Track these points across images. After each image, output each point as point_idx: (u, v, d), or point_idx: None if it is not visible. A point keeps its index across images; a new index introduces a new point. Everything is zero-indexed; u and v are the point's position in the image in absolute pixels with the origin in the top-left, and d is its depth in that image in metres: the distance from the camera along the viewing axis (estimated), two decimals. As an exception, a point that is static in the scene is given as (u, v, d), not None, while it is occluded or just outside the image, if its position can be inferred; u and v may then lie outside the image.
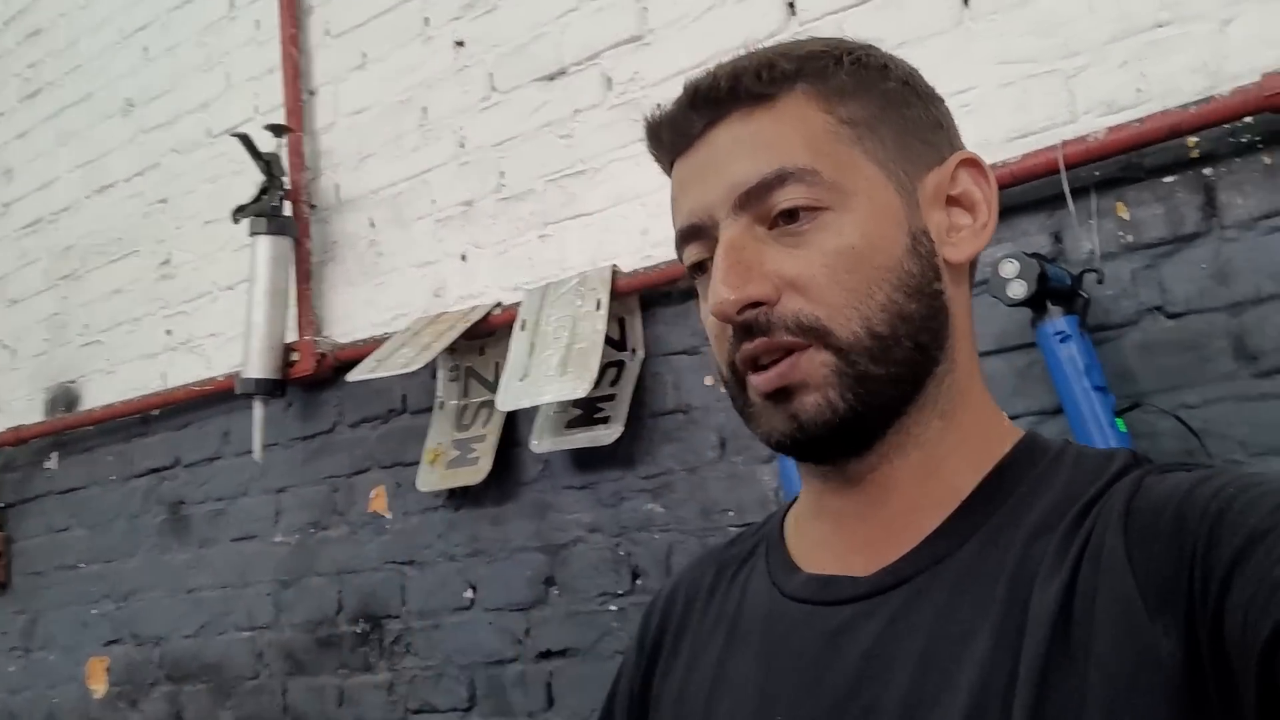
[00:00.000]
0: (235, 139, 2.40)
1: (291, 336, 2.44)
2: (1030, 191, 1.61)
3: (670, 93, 2.12)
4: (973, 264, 0.74)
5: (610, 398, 1.96)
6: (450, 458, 2.16)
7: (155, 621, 2.74)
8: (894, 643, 0.64)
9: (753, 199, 0.67)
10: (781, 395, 0.67)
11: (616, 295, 1.95)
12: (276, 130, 2.43)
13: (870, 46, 0.73)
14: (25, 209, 3.26)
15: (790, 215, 0.67)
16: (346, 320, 2.46)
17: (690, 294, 1.93)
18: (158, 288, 2.87)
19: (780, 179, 0.67)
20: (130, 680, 2.78)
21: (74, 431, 2.99)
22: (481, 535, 2.16)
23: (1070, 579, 0.59)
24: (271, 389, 2.38)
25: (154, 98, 2.94)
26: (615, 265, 1.97)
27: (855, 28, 1.81)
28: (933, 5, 1.74)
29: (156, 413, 2.80)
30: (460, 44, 2.31)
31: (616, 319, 1.99)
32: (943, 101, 0.75)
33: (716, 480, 1.87)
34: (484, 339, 2.19)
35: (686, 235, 0.72)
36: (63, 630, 2.96)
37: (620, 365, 1.98)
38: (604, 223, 2.06)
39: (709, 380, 1.90)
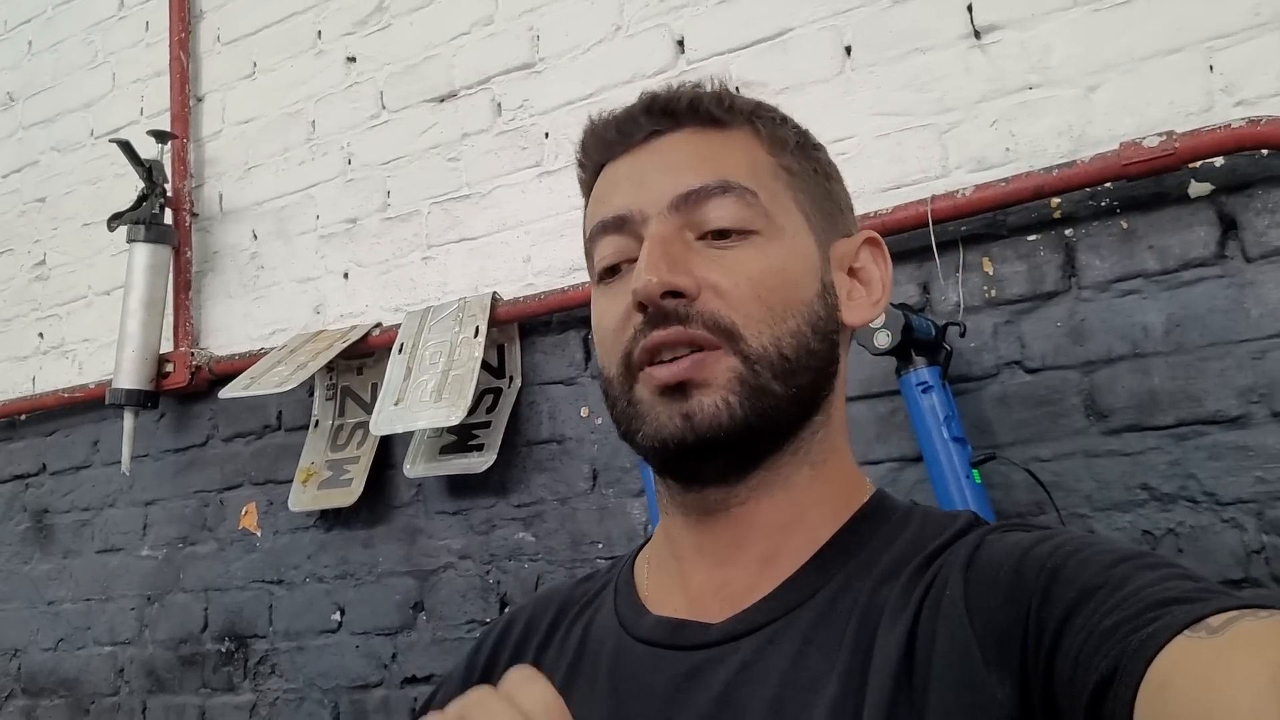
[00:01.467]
0: (116, 146, 2.33)
1: (167, 347, 2.38)
2: (900, 242, 1.64)
3: (559, 122, 2.12)
4: (851, 335, 0.77)
5: (485, 425, 1.95)
6: (323, 478, 2.12)
7: (12, 633, 2.64)
8: (745, 688, 0.64)
9: (690, 203, 0.69)
10: (678, 391, 0.66)
11: (496, 322, 1.94)
12: (159, 136, 2.37)
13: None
14: (-106, 199, 3.12)
15: (721, 233, 0.69)
16: (224, 332, 2.40)
17: (567, 325, 1.93)
18: (31, 289, 2.77)
19: (722, 188, 0.69)
20: (-17, 694, 2.67)
21: (-64, 433, 2.87)
22: (351, 557, 2.13)
23: (912, 624, 0.61)
24: (143, 400, 2.31)
25: (35, 93, 2.84)
26: (496, 292, 1.96)
27: (742, 69, 1.83)
28: (816, 53, 1.77)
29: (24, 417, 2.71)
30: (352, 60, 2.28)
31: (495, 346, 1.98)
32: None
33: (587, 512, 1.87)
34: (362, 359, 2.16)
35: (609, 226, 0.71)
36: (-86, 639, 2.84)
37: (497, 392, 1.97)
38: (487, 248, 2.04)
39: (584, 411, 1.90)
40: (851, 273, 0.75)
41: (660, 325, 0.67)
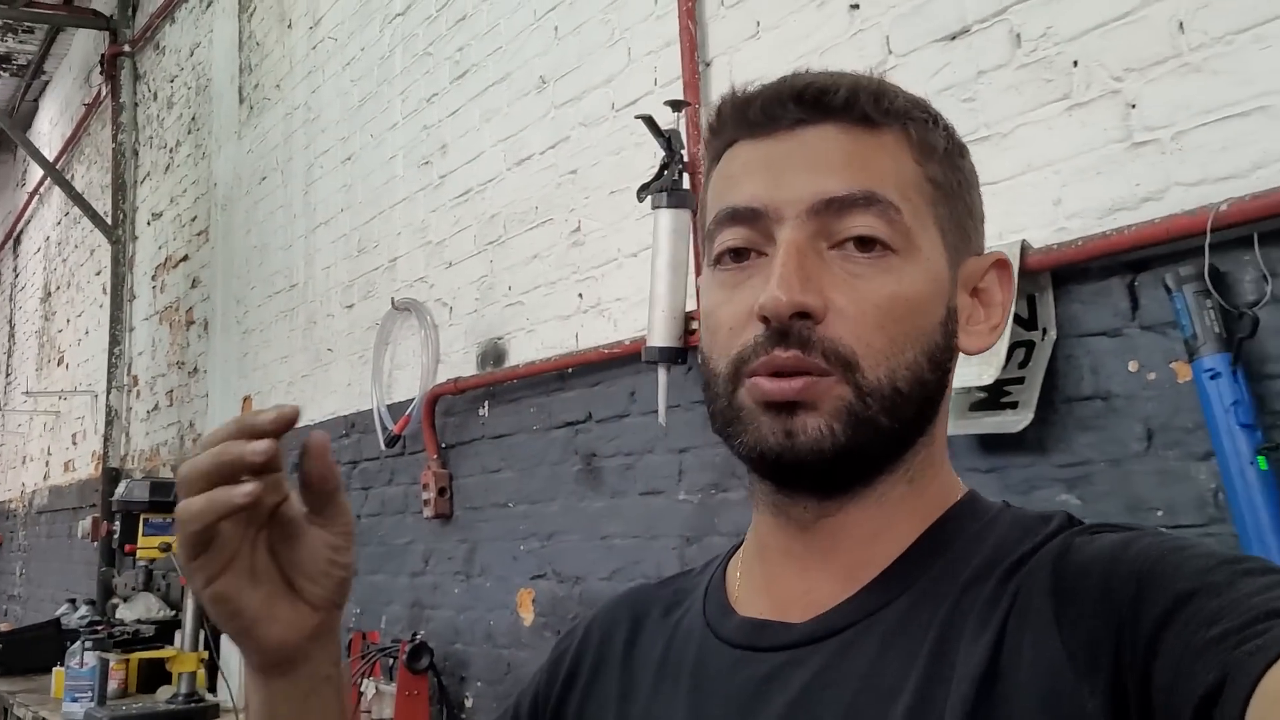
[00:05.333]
0: (639, 120, 2.48)
1: (691, 305, 2.51)
2: None
3: (1090, 48, 1.94)
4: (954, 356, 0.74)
5: (1019, 381, 1.85)
6: (848, 432, 2.14)
7: (574, 562, 2.97)
8: (821, 693, 0.65)
9: (832, 210, 0.66)
10: (786, 409, 0.66)
11: (1026, 272, 1.83)
12: (675, 105, 2.48)
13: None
14: (457, 181, 3.58)
15: (862, 243, 0.66)
16: (744, 289, 2.48)
17: (1109, 271, 1.78)
18: (570, 254, 3.05)
19: (868, 201, 0.66)
20: (553, 612, 3.03)
21: (502, 384, 3.28)
22: (880, 511, 2.13)
23: (998, 636, 0.61)
24: (674, 356, 2.47)
25: (563, 75, 3.10)
26: (1024, 240, 1.85)
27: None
28: None
29: (571, 370, 3.00)
30: (855, 7, 2.23)
31: (1026, 296, 1.87)
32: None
33: (1144, 475, 1.71)
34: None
35: (737, 216, 0.69)
36: (497, 561, 3.29)
37: (1030, 346, 1.86)
38: (1010, 192, 1.92)
39: (1133, 365, 1.74)
40: (975, 293, 0.73)
41: (781, 344, 0.65)
